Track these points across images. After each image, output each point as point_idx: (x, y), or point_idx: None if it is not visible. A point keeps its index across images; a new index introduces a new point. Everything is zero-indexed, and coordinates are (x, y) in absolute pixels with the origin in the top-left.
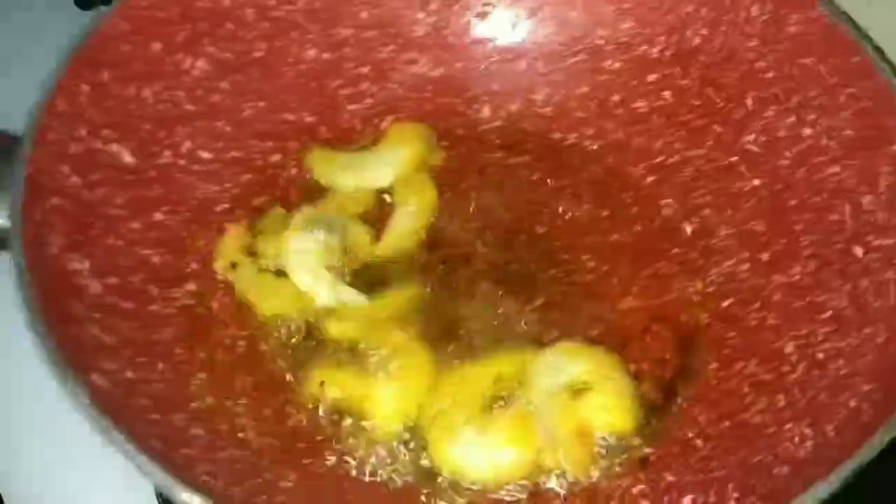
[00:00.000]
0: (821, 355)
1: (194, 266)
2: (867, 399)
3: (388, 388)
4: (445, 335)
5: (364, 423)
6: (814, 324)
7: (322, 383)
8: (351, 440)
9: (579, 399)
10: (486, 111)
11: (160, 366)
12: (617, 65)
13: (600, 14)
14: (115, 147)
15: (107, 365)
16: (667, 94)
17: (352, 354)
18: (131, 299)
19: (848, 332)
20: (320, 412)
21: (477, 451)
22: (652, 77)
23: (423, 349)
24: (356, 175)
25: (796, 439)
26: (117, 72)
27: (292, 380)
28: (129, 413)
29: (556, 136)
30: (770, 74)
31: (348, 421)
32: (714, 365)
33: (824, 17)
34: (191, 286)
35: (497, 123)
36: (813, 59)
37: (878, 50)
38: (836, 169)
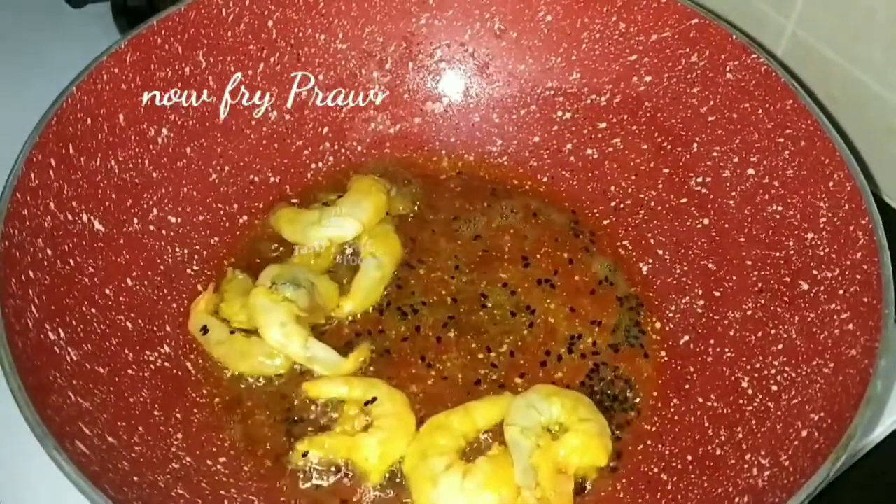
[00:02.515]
0: (774, 387)
1: (168, 329)
2: (817, 427)
3: (373, 439)
4: (417, 384)
5: (347, 475)
6: (767, 356)
7: (305, 454)
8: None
9: (557, 440)
10: (444, 163)
11: (139, 429)
12: (567, 114)
13: (548, 66)
14: (84, 217)
15: (87, 430)
16: (617, 140)
17: (333, 410)
18: (107, 365)
19: (798, 364)
20: (301, 471)
21: (459, 497)
22: (602, 125)
23: (403, 398)
24: (322, 230)
25: (755, 470)
26: (83, 144)
27: (270, 436)
28: (111, 476)
29: (514, 183)
30: (713, 118)
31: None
32: (675, 401)
33: (759, 64)
34: (165, 349)
35: (455, 174)
36: (752, 103)
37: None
38: (780, 207)
